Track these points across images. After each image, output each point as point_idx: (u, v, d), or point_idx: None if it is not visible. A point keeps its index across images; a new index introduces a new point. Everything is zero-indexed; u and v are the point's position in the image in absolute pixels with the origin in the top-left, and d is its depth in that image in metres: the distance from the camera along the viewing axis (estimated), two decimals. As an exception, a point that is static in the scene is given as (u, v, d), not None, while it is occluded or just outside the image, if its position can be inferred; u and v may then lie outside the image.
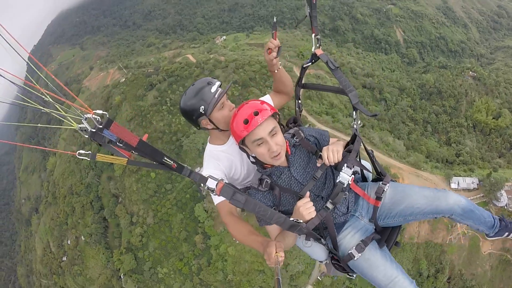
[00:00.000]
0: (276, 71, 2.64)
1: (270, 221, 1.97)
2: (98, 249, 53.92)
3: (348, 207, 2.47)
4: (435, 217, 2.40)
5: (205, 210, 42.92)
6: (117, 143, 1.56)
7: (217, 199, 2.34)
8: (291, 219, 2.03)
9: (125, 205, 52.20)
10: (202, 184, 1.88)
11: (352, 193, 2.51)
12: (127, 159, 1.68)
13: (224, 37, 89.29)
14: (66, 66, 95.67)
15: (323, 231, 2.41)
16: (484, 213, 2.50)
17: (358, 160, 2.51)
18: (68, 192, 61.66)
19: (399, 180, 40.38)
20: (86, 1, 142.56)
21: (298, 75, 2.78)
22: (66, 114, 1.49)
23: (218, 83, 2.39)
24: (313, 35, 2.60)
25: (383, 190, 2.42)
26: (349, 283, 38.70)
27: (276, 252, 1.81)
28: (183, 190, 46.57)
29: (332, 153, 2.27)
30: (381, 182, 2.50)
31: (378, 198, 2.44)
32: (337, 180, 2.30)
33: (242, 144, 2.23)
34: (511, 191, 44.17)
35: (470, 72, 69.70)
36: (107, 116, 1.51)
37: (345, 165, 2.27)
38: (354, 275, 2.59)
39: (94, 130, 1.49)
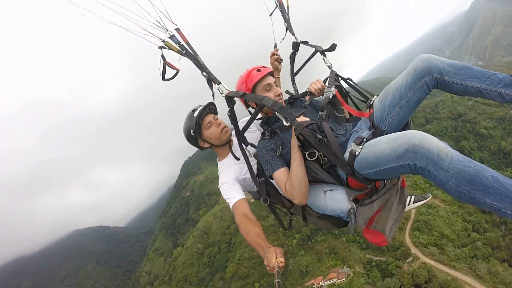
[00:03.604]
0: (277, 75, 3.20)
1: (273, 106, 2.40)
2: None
3: (346, 130, 2.59)
4: (425, 81, 2.19)
5: None
6: (180, 47, 2.41)
7: (232, 202, 2.61)
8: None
9: (227, 305, 59.68)
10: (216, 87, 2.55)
11: (350, 124, 2.66)
12: (179, 56, 2.45)
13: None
14: (211, 180, 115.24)
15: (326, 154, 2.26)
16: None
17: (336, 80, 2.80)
18: (183, 279, 73.23)
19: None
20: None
21: None
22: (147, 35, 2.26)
23: (200, 108, 2.79)
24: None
25: (372, 100, 2.63)
26: None
27: (276, 258, 1.87)
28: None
29: (315, 83, 2.83)
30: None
31: (370, 106, 2.61)
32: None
33: (252, 92, 2.62)
34: None
35: None
36: (178, 28, 2.39)
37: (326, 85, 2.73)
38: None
39: (172, 33, 2.33)
